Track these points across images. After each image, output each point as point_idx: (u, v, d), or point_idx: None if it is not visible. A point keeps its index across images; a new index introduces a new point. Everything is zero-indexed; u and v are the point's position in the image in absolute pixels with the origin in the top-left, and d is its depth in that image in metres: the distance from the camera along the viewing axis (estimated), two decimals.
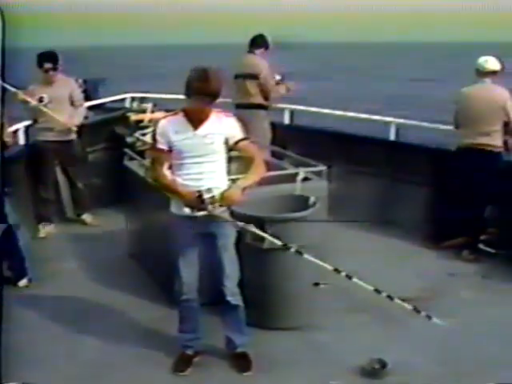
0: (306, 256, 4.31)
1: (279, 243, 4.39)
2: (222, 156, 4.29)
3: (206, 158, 4.22)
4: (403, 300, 5.36)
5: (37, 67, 7.02)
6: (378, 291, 4.26)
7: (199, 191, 4.15)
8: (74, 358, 4.66)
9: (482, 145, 6.31)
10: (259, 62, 7.57)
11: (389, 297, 4.26)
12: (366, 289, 4.27)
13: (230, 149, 4.33)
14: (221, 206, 4.19)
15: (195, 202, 4.15)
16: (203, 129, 4.21)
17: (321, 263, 4.29)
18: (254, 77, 7.49)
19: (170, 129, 4.23)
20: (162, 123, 4.30)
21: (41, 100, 6.93)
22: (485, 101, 6.33)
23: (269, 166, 5.78)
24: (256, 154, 4.35)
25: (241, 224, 4.37)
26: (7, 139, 5.80)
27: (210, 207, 4.17)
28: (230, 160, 4.42)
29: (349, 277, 4.27)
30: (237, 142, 4.27)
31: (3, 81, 3.87)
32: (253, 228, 4.42)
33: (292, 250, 4.35)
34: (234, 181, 4.33)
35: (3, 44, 3.75)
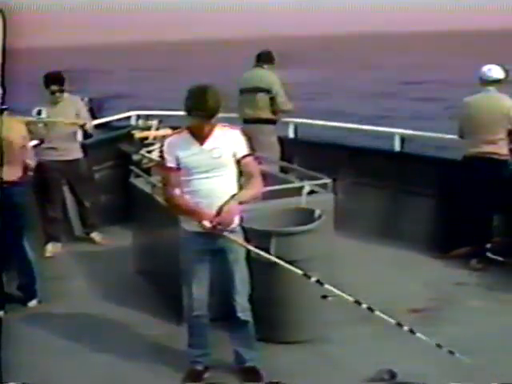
0: (326, 286, 4.26)
1: (300, 272, 4.33)
2: (231, 170, 4.29)
3: (214, 172, 4.22)
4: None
5: (44, 88, 7.09)
6: (399, 324, 4.21)
7: (218, 211, 4.15)
8: (83, 375, 4.66)
9: (488, 153, 6.30)
10: (271, 76, 7.61)
11: (411, 331, 4.19)
12: (388, 321, 4.20)
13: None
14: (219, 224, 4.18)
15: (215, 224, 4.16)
16: (209, 143, 4.23)
17: (343, 295, 4.24)
18: (266, 91, 7.52)
19: (176, 146, 4.26)
20: (167, 142, 4.34)
21: (39, 113, 6.96)
22: (489, 109, 6.33)
23: (275, 180, 5.85)
24: (257, 171, 4.37)
25: (257, 251, 4.36)
26: (29, 161, 5.88)
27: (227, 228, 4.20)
28: (240, 174, 4.40)
29: (371, 309, 4.20)
30: (240, 158, 4.29)
31: (3, 79, 3.90)
32: (271, 256, 4.41)
33: (313, 279, 4.29)
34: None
35: (4, 44, 3.78)
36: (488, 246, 6.46)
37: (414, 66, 40.62)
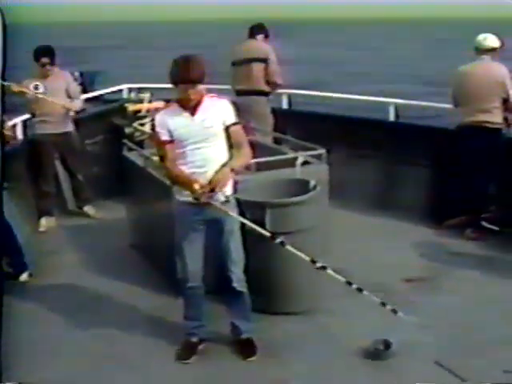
0: (288, 247, 4.25)
1: (268, 234, 4.31)
2: (222, 139, 4.27)
3: (206, 142, 4.21)
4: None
5: (33, 61, 7.00)
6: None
7: (211, 183, 4.13)
8: (78, 348, 4.66)
9: (482, 122, 6.27)
10: (265, 46, 7.54)
11: (359, 289, 4.23)
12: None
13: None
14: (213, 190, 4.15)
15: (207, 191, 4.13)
16: (200, 114, 4.21)
17: (300, 254, 4.22)
18: (262, 60, 7.43)
19: (167, 119, 4.24)
20: (158, 116, 4.33)
21: (36, 88, 6.90)
22: (483, 78, 6.28)
23: (268, 151, 5.82)
24: (245, 140, 4.36)
25: (244, 221, 4.33)
26: (7, 133, 5.81)
27: (221, 197, 4.18)
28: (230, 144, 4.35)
29: (323, 267, 4.22)
30: (229, 126, 4.26)
31: (3, 80, 3.86)
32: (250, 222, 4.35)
33: (277, 240, 4.29)
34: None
35: (4, 44, 3.75)
36: (483, 215, 6.45)
37: None
